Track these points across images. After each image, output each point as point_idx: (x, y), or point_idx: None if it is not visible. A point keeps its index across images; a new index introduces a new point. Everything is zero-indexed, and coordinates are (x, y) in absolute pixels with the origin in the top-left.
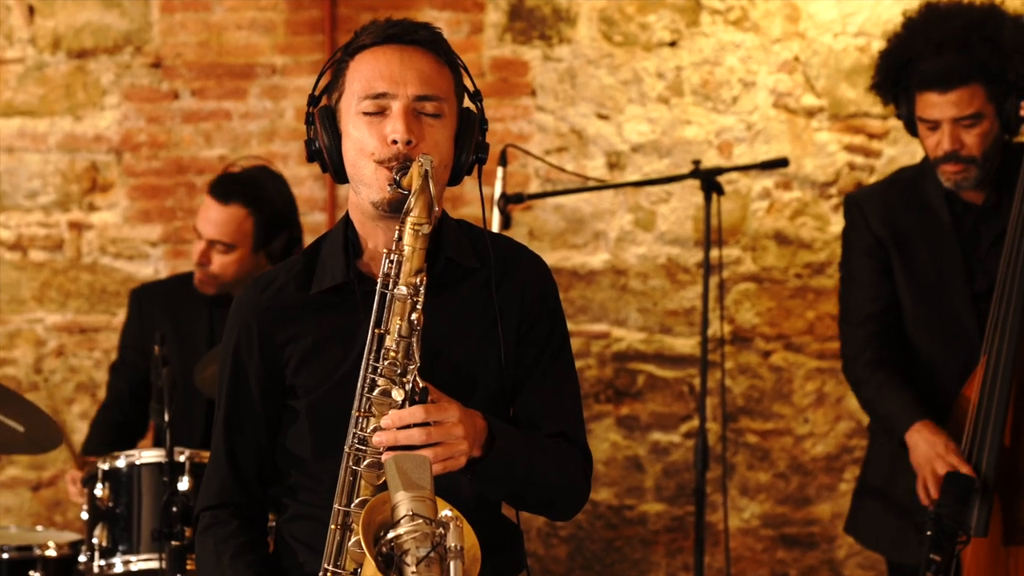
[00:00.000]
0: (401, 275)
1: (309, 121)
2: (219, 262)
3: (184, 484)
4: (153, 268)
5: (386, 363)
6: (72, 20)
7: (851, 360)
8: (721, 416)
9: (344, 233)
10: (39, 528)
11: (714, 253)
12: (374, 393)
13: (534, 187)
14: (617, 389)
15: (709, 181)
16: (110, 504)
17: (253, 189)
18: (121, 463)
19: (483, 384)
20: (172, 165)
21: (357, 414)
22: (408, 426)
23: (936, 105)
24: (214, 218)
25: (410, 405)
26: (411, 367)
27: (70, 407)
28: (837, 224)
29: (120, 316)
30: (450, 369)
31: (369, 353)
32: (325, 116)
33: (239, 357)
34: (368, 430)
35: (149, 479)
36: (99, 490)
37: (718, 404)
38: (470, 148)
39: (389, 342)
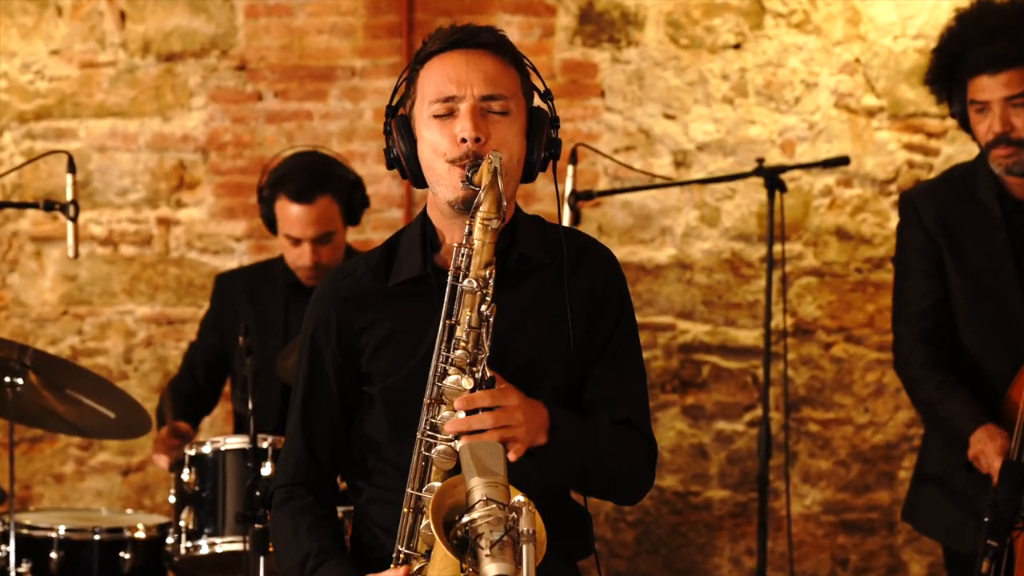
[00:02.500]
0: (471, 268)
1: (387, 131)
2: (327, 253)
3: (267, 470)
4: (237, 262)
5: (457, 353)
6: (161, 25)
7: (905, 358)
8: (783, 405)
9: (422, 228)
10: (129, 511)
11: (777, 248)
12: (445, 382)
13: (603, 184)
14: (683, 379)
15: (772, 179)
16: (196, 488)
17: (326, 177)
18: (207, 449)
19: (551, 375)
20: (256, 164)
21: (428, 401)
22: (476, 411)
23: (986, 88)
24: (309, 219)
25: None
26: (480, 356)
27: (158, 395)
28: (896, 220)
29: (206, 308)
30: (519, 360)
31: (441, 343)
32: (401, 125)
33: (316, 343)
34: (439, 417)
35: (233, 464)
36: (186, 475)
37: (781, 394)
38: (542, 145)
39: (460, 332)
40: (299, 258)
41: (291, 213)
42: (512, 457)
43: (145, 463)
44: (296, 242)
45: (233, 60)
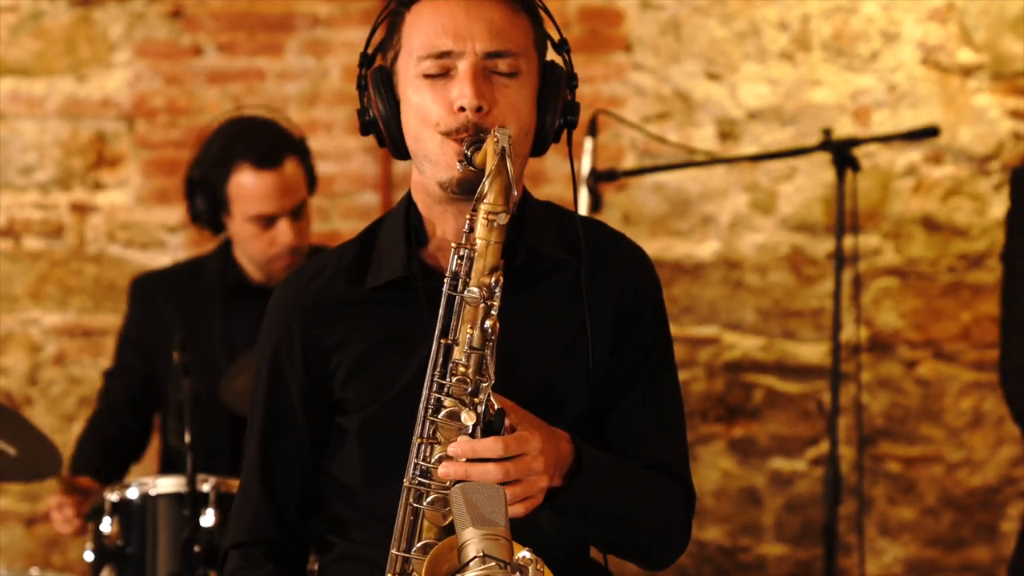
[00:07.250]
0: (472, 274)
1: (361, 86)
2: (300, 230)
3: (208, 519)
4: (171, 259)
5: (454, 380)
6: None
7: (1012, 371)
8: (856, 439)
9: (405, 217)
10: (33, 571)
11: (848, 242)
12: (439, 416)
13: (630, 162)
14: (730, 406)
15: (842, 154)
16: (119, 543)
17: (287, 136)
18: (133, 493)
19: (571, 402)
20: (194, 135)
21: (419, 441)
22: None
23: None
24: (281, 186)
25: (483, 430)
26: (484, 385)
27: (71, 425)
28: (999, 206)
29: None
30: (531, 384)
31: (434, 368)
32: (380, 80)
33: (278, 364)
34: (432, 460)
35: (166, 513)
36: (106, 525)
37: (853, 425)
38: (556, 110)
39: (458, 355)
40: (276, 240)
41: (257, 184)
42: (520, 511)
43: None
44: (267, 223)
45: (165, 4)
